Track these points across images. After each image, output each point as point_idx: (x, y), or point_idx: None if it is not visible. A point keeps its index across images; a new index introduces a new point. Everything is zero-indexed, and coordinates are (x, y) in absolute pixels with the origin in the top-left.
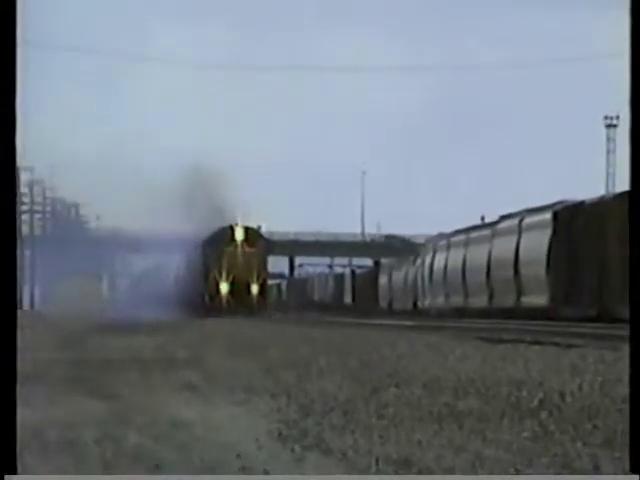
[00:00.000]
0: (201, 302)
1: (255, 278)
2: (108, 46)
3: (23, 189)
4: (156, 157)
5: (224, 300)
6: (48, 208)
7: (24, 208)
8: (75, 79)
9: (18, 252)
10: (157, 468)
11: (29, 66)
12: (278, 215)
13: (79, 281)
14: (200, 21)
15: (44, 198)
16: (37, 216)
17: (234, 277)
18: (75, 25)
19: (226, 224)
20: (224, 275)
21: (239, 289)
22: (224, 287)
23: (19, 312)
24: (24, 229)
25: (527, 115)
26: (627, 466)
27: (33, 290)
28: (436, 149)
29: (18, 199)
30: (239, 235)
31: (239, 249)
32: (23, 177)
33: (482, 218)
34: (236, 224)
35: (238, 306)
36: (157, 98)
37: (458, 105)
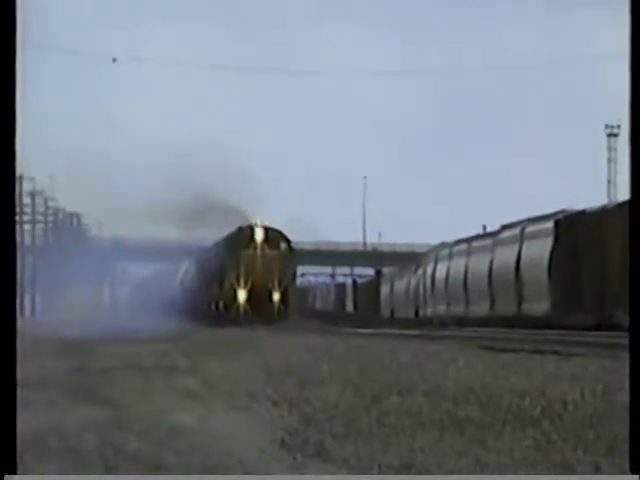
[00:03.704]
0: (215, 311)
1: (277, 284)
2: (106, 48)
3: (25, 199)
4: (156, 158)
5: (241, 308)
6: (50, 217)
7: (26, 218)
8: (74, 81)
9: (20, 261)
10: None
11: (28, 68)
12: (278, 224)
13: (81, 290)
14: (198, 21)
15: (46, 207)
16: (39, 225)
17: (253, 283)
18: (73, 27)
19: (244, 224)
20: (242, 281)
21: (258, 296)
22: (241, 294)
23: (20, 321)
24: (26, 238)
25: (529, 119)
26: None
27: (34, 299)
28: (437, 156)
29: (19, 207)
30: (259, 236)
31: (259, 252)
32: (25, 187)
33: (484, 227)
34: (255, 224)
35: (256, 315)
36: (155, 99)
37: (458, 110)
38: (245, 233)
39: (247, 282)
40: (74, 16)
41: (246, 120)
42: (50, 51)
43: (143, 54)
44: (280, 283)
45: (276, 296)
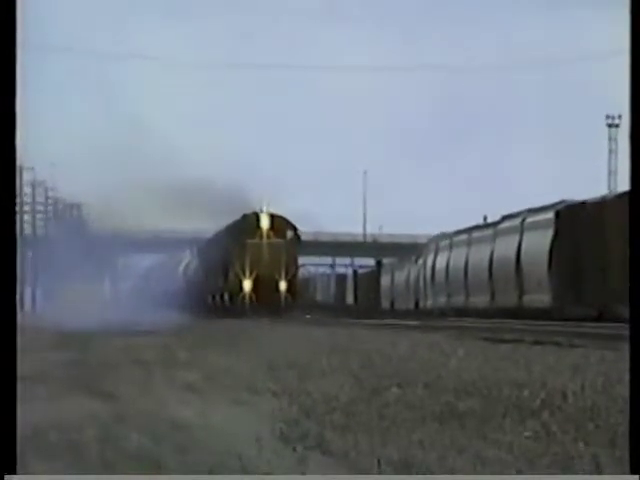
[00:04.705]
0: (220, 302)
1: (283, 273)
2: (105, 47)
3: (25, 189)
4: (157, 155)
5: (247, 299)
6: (50, 208)
7: (26, 208)
8: (73, 80)
9: (19, 253)
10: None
11: (27, 67)
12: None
13: (82, 282)
14: (197, 20)
15: (46, 198)
16: (39, 216)
17: (259, 273)
18: (71, 26)
19: (249, 211)
20: (247, 270)
21: (264, 286)
22: (247, 284)
23: (20, 314)
24: (26, 229)
25: (528, 115)
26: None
27: (35, 291)
28: (437, 148)
29: (20, 199)
30: (264, 224)
31: (264, 240)
32: (25, 177)
33: (484, 218)
34: (261, 211)
35: (262, 306)
36: (154, 96)
37: (459, 105)
38: (250, 221)
39: (253, 272)
40: (74, 16)
41: (247, 116)
42: (50, 50)
43: (143, 53)
44: (287, 272)
45: (283, 286)
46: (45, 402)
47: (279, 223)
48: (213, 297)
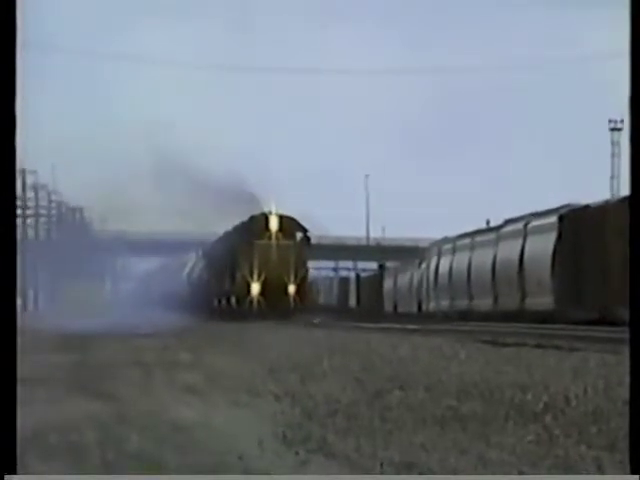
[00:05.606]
0: (227, 305)
1: (292, 276)
2: (104, 48)
3: (28, 193)
4: (157, 155)
5: (255, 302)
6: (53, 211)
7: (29, 212)
8: (73, 81)
9: (22, 255)
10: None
11: (28, 68)
12: None
13: (84, 284)
14: (197, 21)
15: (49, 202)
16: (42, 219)
17: (267, 275)
18: (71, 26)
19: (257, 212)
20: (255, 273)
21: (273, 289)
22: (255, 287)
23: (22, 315)
24: (29, 232)
25: (529, 117)
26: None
27: (37, 293)
28: (439, 152)
29: (23, 202)
30: (273, 225)
31: (273, 242)
32: (28, 181)
33: (487, 222)
34: (270, 212)
35: (271, 309)
36: (154, 98)
37: (460, 107)
38: (258, 222)
39: (261, 274)
40: (73, 16)
41: (247, 119)
42: (50, 51)
43: (143, 54)
44: (296, 275)
45: (292, 289)
46: (46, 404)
47: (288, 224)
48: (219, 300)
